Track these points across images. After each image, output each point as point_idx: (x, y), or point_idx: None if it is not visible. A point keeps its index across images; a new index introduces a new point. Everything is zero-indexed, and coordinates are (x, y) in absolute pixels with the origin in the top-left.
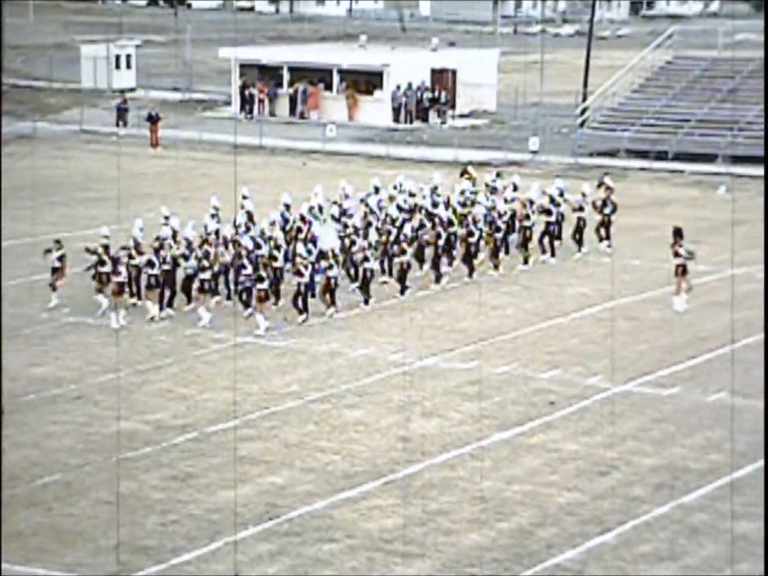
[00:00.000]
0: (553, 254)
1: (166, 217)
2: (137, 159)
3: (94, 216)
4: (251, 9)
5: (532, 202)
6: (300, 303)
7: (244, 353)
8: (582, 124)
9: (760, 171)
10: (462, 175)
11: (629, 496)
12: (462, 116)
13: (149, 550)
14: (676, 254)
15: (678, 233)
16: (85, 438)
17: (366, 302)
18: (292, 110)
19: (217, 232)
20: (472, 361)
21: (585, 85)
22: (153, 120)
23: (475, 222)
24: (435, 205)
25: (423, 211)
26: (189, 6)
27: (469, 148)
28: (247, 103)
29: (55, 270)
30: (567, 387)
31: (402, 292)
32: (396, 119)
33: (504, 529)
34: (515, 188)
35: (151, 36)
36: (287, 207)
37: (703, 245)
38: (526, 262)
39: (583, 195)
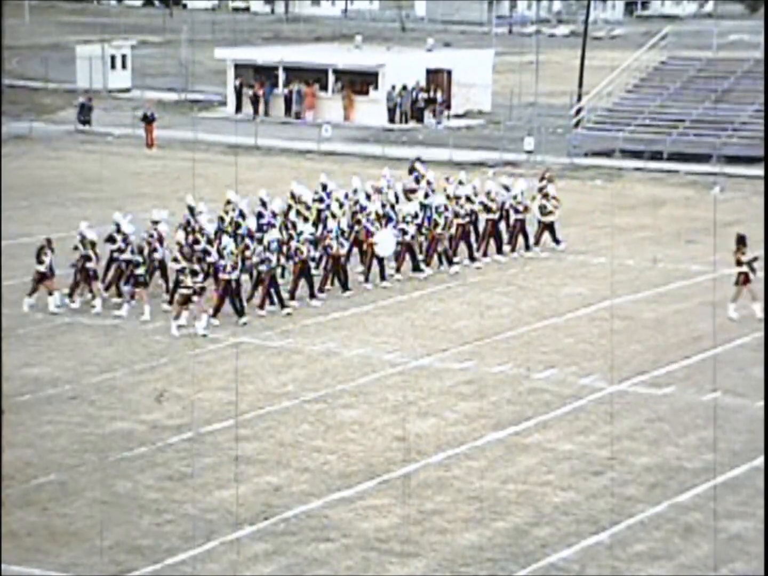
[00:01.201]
0: (499, 250)
1: (155, 222)
2: (133, 159)
3: (89, 216)
4: (247, 9)
5: (470, 199)
6: (234, 302)
7: (240, 353)
8: (577, 124)
9: (753, 171)
10: (410, 171)
11: (624, 495)
12: (457, 116)
13: (145, 550)
14: (739, 262)
15: (741, 241)
16: (80, 438)
17: (312, 296)
18: (288, 110)
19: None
20: (467, 360)
21: (580, 85)
22: (148, 120)
23: (404, 219)
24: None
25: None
26: (185, 6)
27: (464, 148)
28: (252, 103)
29: (42, 274)
30: (562, 387)
31: (330, 282)
32: (391, 119)
33: (499, 529)
34: (461, 184)
35: (146, 36)
36: (229, 203)
37: (697, 245)
38: (455, 256)
39: (521, 192)
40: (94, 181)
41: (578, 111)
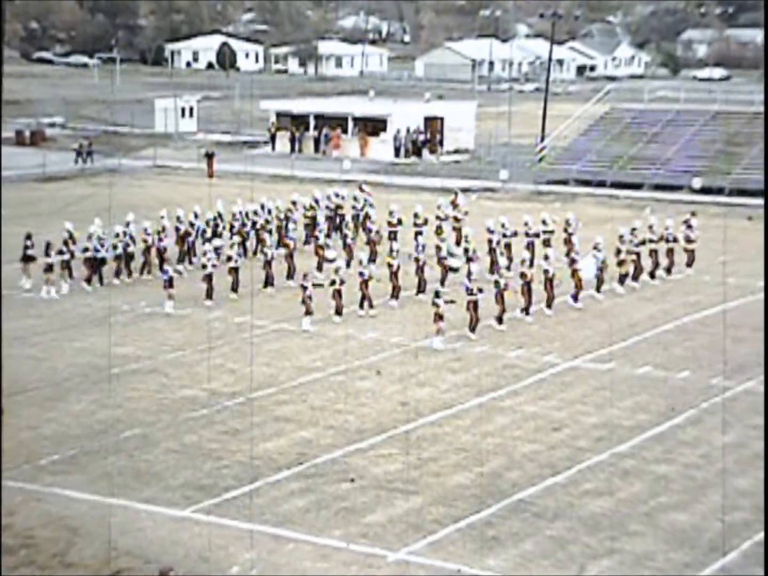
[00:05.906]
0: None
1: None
2: (197, 187)
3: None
4: (285, 71)
5: (312, 207)
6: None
7: (280, 337)
8: (540, 160)
9: (675, 196)
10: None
11: (576, 446)
12: (448, 153)
13: (207, 488)
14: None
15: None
16: (157, 401)
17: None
18: (317, 149)
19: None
20: (455, 343)
21: (543, 129)
22: (209, 156)
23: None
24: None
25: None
26: (238, 69)
27: (453, 177)
28: (289, 143)
29: (28, 258)
30: (528, 363)
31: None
32: (397, 155)
33: (480, 472)
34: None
35: (208, 92)
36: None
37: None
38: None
39: (337, 195)
40: (167, 204)
41: (542, 149)
